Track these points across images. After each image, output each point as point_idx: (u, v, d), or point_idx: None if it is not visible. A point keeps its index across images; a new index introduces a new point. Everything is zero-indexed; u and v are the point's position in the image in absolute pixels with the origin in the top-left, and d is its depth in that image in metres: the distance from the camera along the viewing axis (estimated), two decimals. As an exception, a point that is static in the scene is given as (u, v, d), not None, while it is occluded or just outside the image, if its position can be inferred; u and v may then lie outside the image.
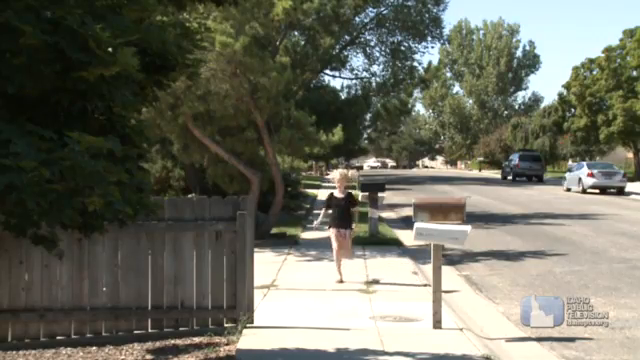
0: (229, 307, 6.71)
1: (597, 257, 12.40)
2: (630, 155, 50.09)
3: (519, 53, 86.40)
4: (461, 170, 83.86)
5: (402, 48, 28.93)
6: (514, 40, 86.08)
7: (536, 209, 22.74)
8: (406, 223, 16.94)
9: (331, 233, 9.76)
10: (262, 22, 14.11)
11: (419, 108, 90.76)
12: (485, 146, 75.71)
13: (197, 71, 5.36)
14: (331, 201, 9.94)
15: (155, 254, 6.64)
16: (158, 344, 6.37)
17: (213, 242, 6.71)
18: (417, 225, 6.93)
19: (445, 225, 6.93)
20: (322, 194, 31.26)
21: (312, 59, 21.12)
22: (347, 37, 26.10)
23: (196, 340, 6.47)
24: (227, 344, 6.29)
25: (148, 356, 6.04)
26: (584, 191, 32.15)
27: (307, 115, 14.50)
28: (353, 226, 9.88)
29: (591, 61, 46.48)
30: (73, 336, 6.45)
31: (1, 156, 3.16)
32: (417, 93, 47.05)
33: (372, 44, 29.25)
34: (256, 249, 7.48)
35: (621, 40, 44.24)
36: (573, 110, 51.24)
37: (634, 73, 43.29)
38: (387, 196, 18.29)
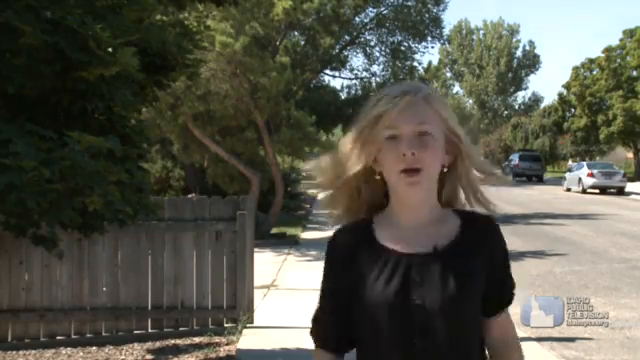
0: (229, 307, 6.71)
1: (597, 257, 12.40)
2: (630, 155, 50.07)
3: (519, 53, 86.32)
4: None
5: (402, 48, 28.84)
6: (514, 40, 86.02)
7: (536, 209, 22.73)
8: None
9: None
10: (262, 22, 14.14)
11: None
12: (485, 146, 75.71)
13: (197, 71, 5.36)
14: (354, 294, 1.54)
15: (155, 254, 6.64)
16: (158, 344, 6.37)
17: (213, 242, 6.71)
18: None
19: (445, 225, 6.91)
20: (322, 194, 31.13)
21: (312, 59, 21.08)
22: (347, 37, 26.03)
23: (196, 340, 6.47)
24: (227, 344, 6.29)
25: (148, 356, 6.04)
26: (584, 191, 32.13)
27: (307, 115, 14.51)
28: None
29: (591, 61, 46.44)
30: (73, 336, 6.45)
31: (1, 156, 3.16)
32: (417, 93, 46.91)
33: (372, 44, 29.16)
34: (256, 249, 7.48)
35: (621, 40, 44.20)
36: (573, 110, 51.24)
37: (634, 73, 43.25)
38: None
